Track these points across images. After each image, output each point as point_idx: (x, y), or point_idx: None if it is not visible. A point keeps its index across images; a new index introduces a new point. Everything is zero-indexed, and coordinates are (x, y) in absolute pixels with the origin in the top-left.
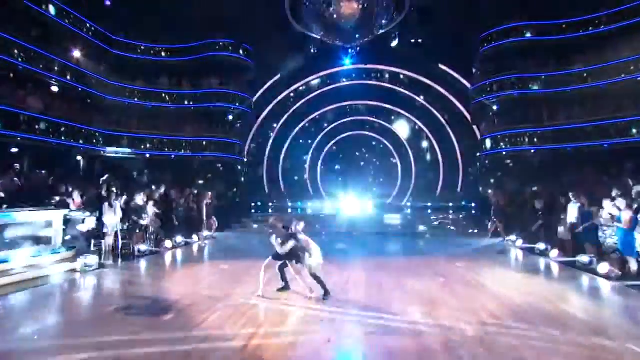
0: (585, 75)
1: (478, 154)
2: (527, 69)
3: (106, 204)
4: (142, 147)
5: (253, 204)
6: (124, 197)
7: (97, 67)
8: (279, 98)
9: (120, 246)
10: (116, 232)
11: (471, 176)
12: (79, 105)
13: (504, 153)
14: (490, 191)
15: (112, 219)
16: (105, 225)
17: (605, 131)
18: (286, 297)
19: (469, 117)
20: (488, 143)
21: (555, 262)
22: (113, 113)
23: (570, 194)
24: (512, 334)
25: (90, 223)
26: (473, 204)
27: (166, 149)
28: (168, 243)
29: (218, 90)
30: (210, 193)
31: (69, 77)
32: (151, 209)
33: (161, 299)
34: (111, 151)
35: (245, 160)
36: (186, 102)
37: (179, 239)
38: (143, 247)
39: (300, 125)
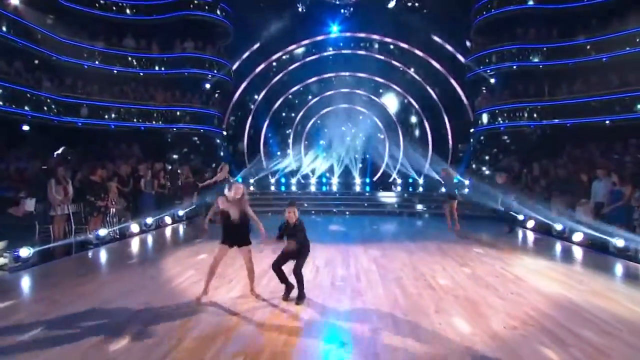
0: (588, 47)
1: (472, 130)
2: (527, 39)
3: (52, 180)
4: (106, 116)
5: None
6: (79, 174)
7: (42, 19)
8: (260, 67)
9: (73, 232)
10: (67, 216)
11: (460, 153)
12: (23, 65)
13: (501, 129)
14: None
15: (61, 199)
16: (52, 207)
17: (610, 106)
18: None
19: (461, 92)
20: (484, 118)
21: (579, 247)
22: (68, 77)
23: (598, 171)
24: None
25: (28, 205)
26: (467, 182)
27: (134, 120)
28: (135, 227)
29: (192, 54)
30: (187, 168)
31: (4, 29)
32: (114, 187)
33: (112, 310)
34: (68, 121)
35: (225, 133)
36: (157, 68)
37: (150, 220)
38: (103, 232)
39: (283, 97)
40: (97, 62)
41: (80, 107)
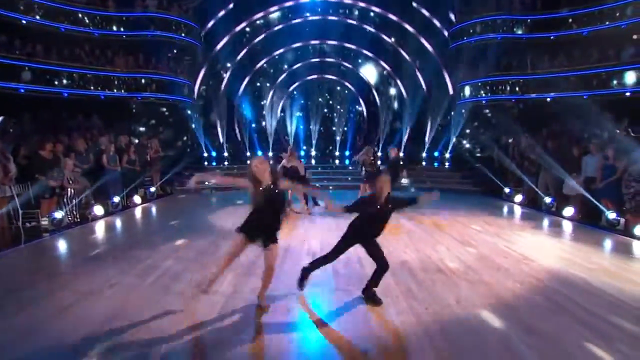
0: (570, 20)
1: (453, 103)
2: (511, 10)
3: None
4: (56, 82)
5: (207, 155)
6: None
7: None
8: (233, 32)
9: (20, 218)
10: (10, 198)
11: (440, 127)
12: None
13: (484, 102)
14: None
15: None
16: None
17: (588, 81)
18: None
19: (440, 63)
20: (467, 91)
21: (570, 222)
22: (2, 34)
23: (591, 145)
24: None
25: None
26: (447, 156)
27: (91, 87)
28: (98, 209)
29: (156, 14)
30: (155, 141)
31: None
32: (69, 164)
33: (72, 321)
34: (5, 86)
35: (196, 103)
36: (115, 28)
37: (116, 199)
38: (59, 215)
39: (257, 66)
40: (37, 17)
41: (22, 71)
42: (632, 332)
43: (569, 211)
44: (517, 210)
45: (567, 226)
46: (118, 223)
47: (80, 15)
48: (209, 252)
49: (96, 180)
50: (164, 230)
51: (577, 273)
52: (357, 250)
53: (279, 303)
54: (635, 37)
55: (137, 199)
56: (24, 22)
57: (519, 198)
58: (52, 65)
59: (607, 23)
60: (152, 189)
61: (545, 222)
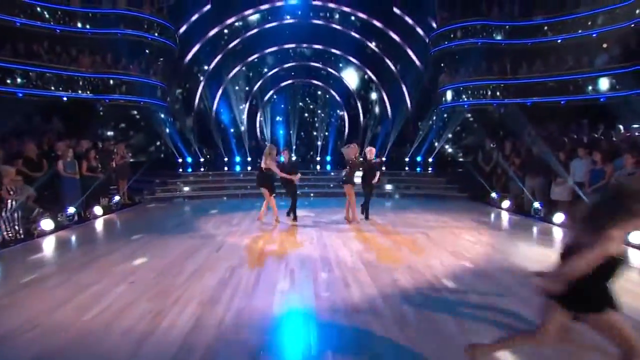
0: (545, 28)
1: (435, 108)
2: (490, 16)
3: None
4: (8, 81)
5: (181, 161)
6: None
7: None
8: (211, 34)
9: None
10: None
11: (421, 131)
12: None
13: (466, 106)
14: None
15: None
16: None
17: (565, 87)
18: None
19: (422, 68)
20: (449, 95)
21: (561, 228)
22: None
23: (579, 150)
24: None
25: None
26: (430, 160)
27: (52, 88)
28: (47, 223)
29: (126, 12)
30: (122, 146)
31: None
32: (10, 172)
33: None
34: None
35: (171, 107)
36: (80, 25)
37: (71, 211)
38: None
39: (236, 69)
40: None
41: None
42: None
43: (559, 217)
44: (506, 216)
45: (559, 234)
46: (69, 239)
47: (38, 9)
48: (172, 273)
49: (52, 190)
50: (123, 247)
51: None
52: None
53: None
54: (605, 45)
55: (97, 209)
56: None
57: (506, 204)
58: (6, 63)
59: (580, 31)
60: (117, 198)
61: (537, 229)
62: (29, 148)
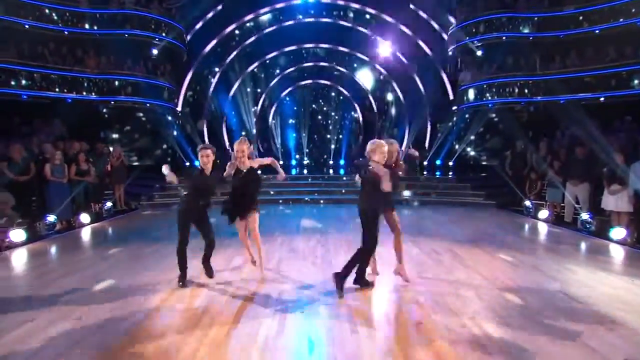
0: (580, 18)
1: (454, 108)
2: (517, 8)
3: None
4: (12, 83)
5: (188, 164)
6: None
7: None
8: (222, 35)
9: None
10: None
11: (439, 133)
12: None
13: (490, 106)
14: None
15: None
16: None
17: (605, 82)
18: None
19: (440, 67)
20: (470, 94)
21: (622, 247)
22: None
23: None
24: None
25: None
26: (450, 164)
27: (57, 89)
28: (17, 234)
29: (134, 12)
30: (118, 148)
31: None
32: None
33: None
34: None
35: (180, 109)
36: (87, 26)
37: (51, 219)
38: None
39: (247, 70)
40: None
41: None
42: None
43: (618, 233)
44: (546, 230)
45: (621, 254)
46: (38, 253)
47: (47, 10)
48: (135, 302)
49: (39, 196)
50: (90, 267)
51: None
52: None
53: None
54: None
55: (84, 217)
56: None
57: (544, 214)
58: (10, 64)
59: (622, 19)
60: (109, 205)
61: (591, 248)
62: (13, 149)
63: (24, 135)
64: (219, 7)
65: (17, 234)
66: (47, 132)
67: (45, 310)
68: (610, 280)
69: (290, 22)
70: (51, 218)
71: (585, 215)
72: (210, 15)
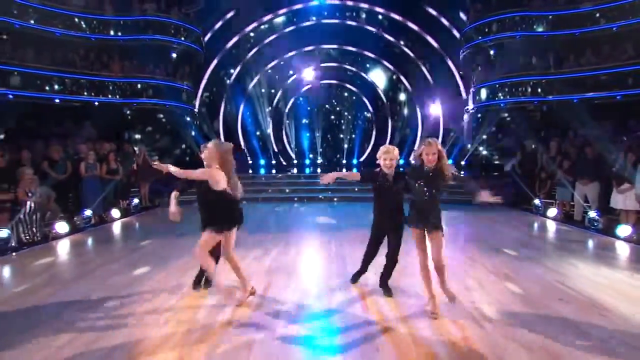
0: (597, 15)
1: (468, 107)
2: (531, 7)
3: None
4: (47, 88)
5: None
6: None
7: None
8: (237, 37)
9: None
10: None
11: (452, 132)
12: None
13: (502, 105)
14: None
15: None
16: None
17: (622, 80)
18: None
19: (453, 66)
20: (483, 94)
21: (627, 244)
22: None
23: None
24: None
25: None
26: (463, 163)
27: (85, 93)
28: (61, 226)
29: (155, 18)
30: (143, 149)
31: None
32: (26, 174)
33: None
34: None
35: (197, 110)
36: (112, 32)
37: (88, 213)
38: (3, 234)
39: (262, 71)
40: (32, 22)
41: (10, 75)
42: None
43: (624, 230)
44: (554, 227)
45: (625, 250)
46: (81, 243)
47: (76, 19)
48: (167, 289)
49: (75, 192)
50: (124, 257)
51: None
52: None
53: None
54: None
55: (115, 213)
56: (16, 25)
57: (552, 212)
58: (44, 70)
59: None
60: (136, 201)
61: (596, 244)
62: (53, 150)
63: (58, 137)
64: (233, 12)
65: (61, 226)
66: (78, 133)
67: (99, 289)
68: (609, 273)
69: (304, 24)
70: (88, 212)
71: (592, 214)
72: (226, 18)
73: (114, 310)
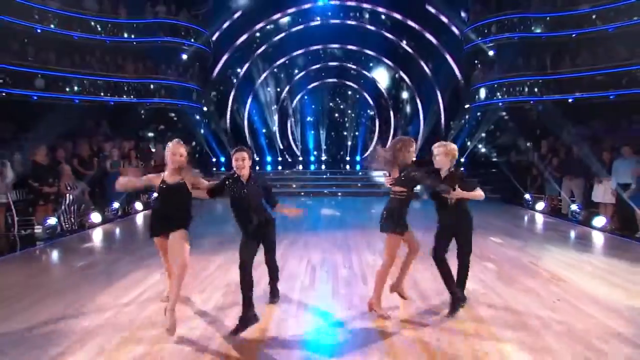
0: (594, 17)
1: (467, 106)
2: (529, 8)
3: None
4: (67, 89)
5: (215, 160)
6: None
7: None
8: (243, 38)
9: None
10: (7, 205)
11: (452, 130)
12: None
13: (500, 104)
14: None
15: None
16: None
17: (616, 80)
18: None
19: (454, 65)
20: (482, 93)
21: (602, 233)
22: (15, 41)
23: (623, 149)
24: None
25: None
26: (462, 160)
27: (102, 94)
28: (96, 216)
29: (166, 20)
30: (160, 147)
31: None
32: (67, 169)
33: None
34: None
35: (206, 109)
36: (126, 35)
37: (116, 206)
38: (52, 221)
39: (267, 71)
40: (52, 26)
41: (34, 78)
42: None
43: (600, 221)
44: (540, 219)
45: (599, 238)
46: (113, 231)
47: (92, 23)
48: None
49: (100, 187)
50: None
51: (619, 297)
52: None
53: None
54: None
55: (138, 205)
56: (38, 30)
57: (540, 206)
58: (64, 73)
59: (636, 18)
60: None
61: (574, 233)
62: (83, 148)
63: (80, 136)
64: (240, 13)
65: (96, 217)
66: (97, 132)
67: (143, 265)
68: (576, 256)
69: (309, 24)
70: (116, 205)
71: (574, 206)
72: (233, 18)
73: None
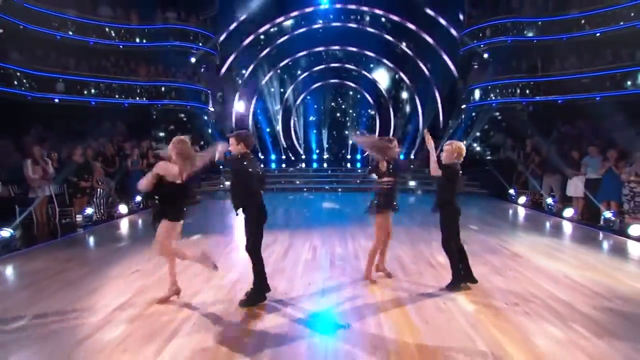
0: (582, 21)
1: (463, 106)
2: (522, 13)
3: (28, 161)
4: (85, 92)
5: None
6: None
7: None
8: (248, 40)
9: (57, 215)
10: (50, 197)
11: (451, 129)
12: None
13: (493, 105)
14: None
15: (39, 179)
16: (31, 189)
17: (601, 83)
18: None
19: (452, 67)
20: (477, 94)
21: (570, 222)
22: (38, 48)
23: (590, 148)
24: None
25: None
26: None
27: (116, 96)
28: (123, 208)
29: (175, 26)
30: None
31: None
32: (98, 167)
33: (101, 299)
34: (43, 97)
35: (212, 109)
36: (137, 40)
37: (138, 199)
38: (89, 211)
39: (271, 72)
40: (70, 33)
41: (56, 82)
42: (592, 317)
43: (569, 212)
44: (520, 211)
45: (566, 227)
46: (138, 221)
47: (107, 29)
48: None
49: (122, 182)
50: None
51: (561, 268)
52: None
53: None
54: None
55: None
56: (58, 37)
57: (522, 200)
58: (83, 77)
59: (622, 23)
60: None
61: (545, 223)
62: (108, 148)
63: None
64: (245, 16)
65: (123, 208)
66: (113, 132)
67: None
68: (539, 239)
69: (312, 27)
70: (138, 198)
71: (549, 200)
72: (239, 21)
73: None
